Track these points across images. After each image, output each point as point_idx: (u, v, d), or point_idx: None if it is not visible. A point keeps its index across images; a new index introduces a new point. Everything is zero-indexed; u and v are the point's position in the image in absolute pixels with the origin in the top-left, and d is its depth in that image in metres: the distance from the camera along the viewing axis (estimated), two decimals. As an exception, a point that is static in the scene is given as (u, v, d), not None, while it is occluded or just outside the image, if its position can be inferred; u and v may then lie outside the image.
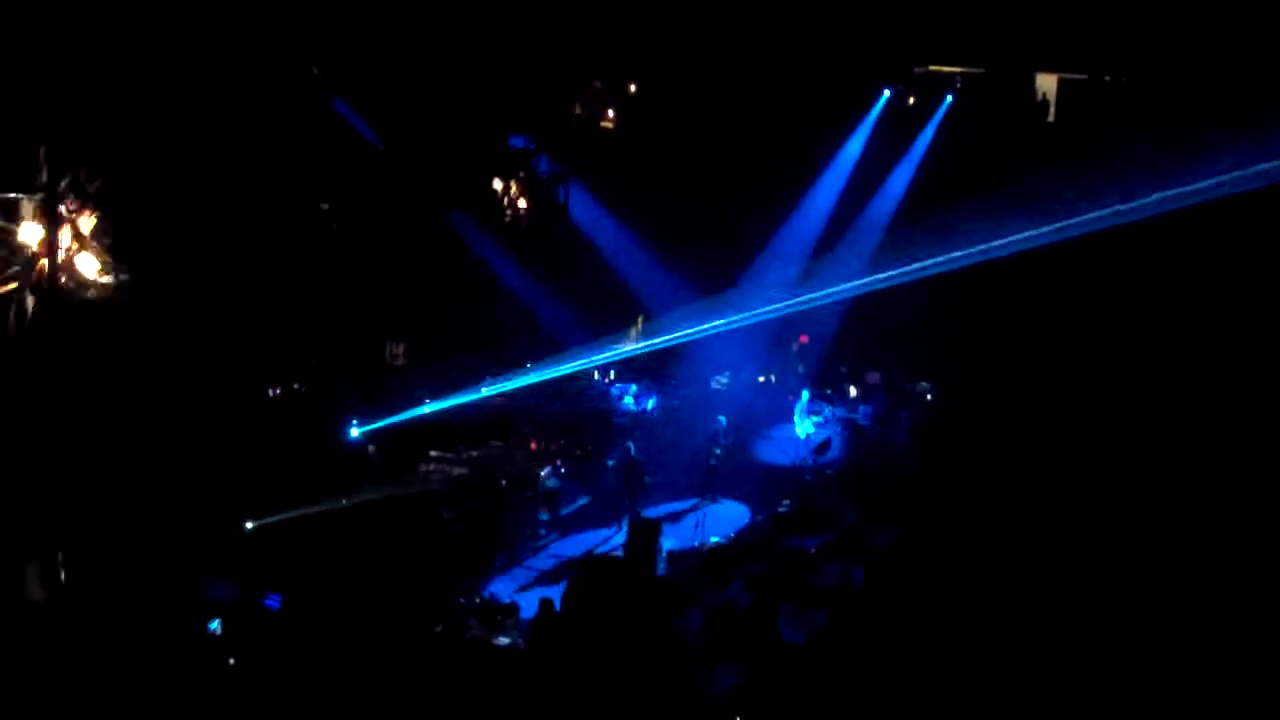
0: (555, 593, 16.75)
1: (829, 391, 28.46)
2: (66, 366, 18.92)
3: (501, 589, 18.98)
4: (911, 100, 29.47)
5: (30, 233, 17.27)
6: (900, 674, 14.60)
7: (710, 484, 23.45)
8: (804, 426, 25.89)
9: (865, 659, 15.10)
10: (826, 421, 26.83)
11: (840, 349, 29.42)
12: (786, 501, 22.61)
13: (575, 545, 21.47)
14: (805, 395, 26.46)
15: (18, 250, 17.26)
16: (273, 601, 16.50)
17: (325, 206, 23.80)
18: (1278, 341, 22.06)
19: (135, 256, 19.91)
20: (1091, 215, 22.97)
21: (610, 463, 22.84)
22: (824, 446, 24.84)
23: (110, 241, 18.18)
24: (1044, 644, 14.84)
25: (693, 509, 22.67)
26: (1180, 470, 19.58)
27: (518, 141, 28.23)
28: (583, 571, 16.97)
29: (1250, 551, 16.71)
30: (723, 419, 24.36)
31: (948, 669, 14.53)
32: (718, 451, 23.79)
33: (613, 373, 28.64)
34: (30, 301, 18.58)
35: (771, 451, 26.09)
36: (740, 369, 29.41)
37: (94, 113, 19.00)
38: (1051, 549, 17.46)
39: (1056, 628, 15.18)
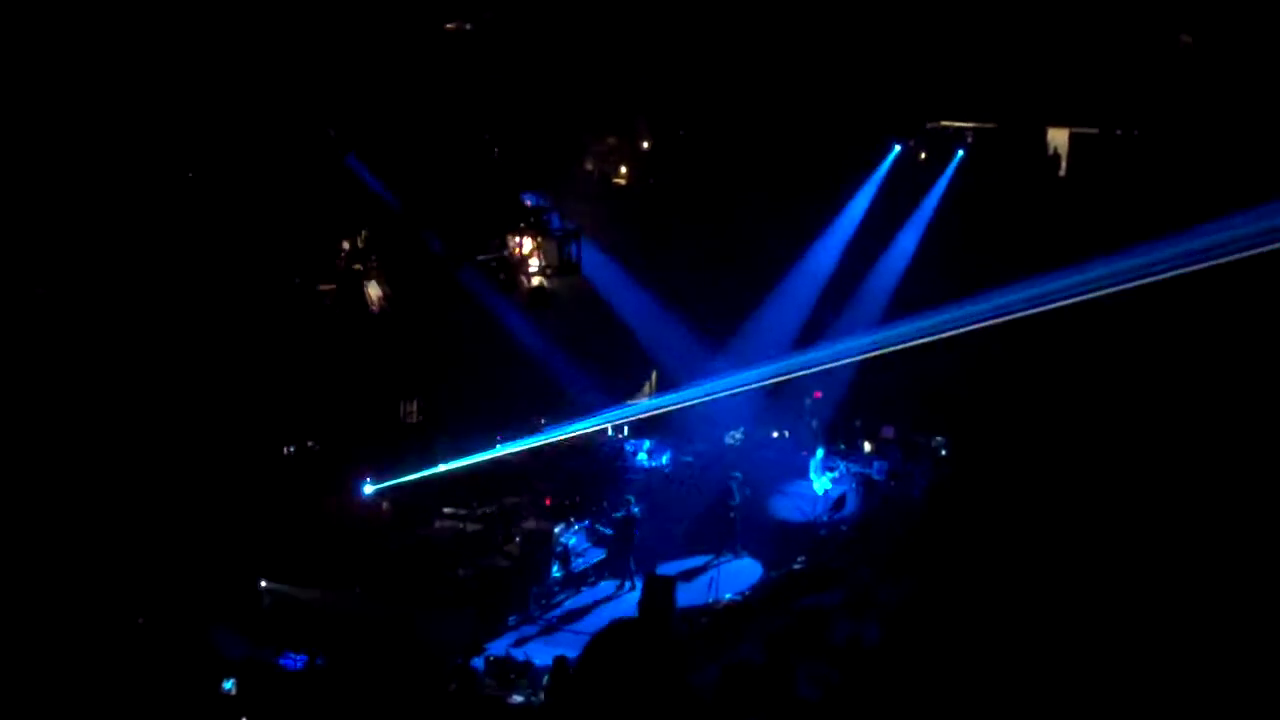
0: (570, 650, 16.66)
1: (843, 447, 28.38)
2: (80, 417, 19.05)
3: (515, 647, 18.90)
4: (922, 155, 29.57)
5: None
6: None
7: (726, 540, 23.38)
8: (820, 483, 25.82)
9: (883, 717, 14.97)
10: (842, 477, 26.72)
11: (854, 404, 29.33)
12: (801, 558, 22.52)
13: (589, 602, 21.40)
14: (820, 451, 26.41)
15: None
16: (288, 660, 16.43)
17: (346, 246, 24.03)
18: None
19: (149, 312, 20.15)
20: (1104, 270, 22.95)
21: (618, 515, 22.77)
22: (840, 503, 24.74)
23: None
24: (1063, 701, 14.71)
25: (707, 565, 22.57)
26: (1203, 530, 19.44)
27: (530, 198, 28.36)
28: (599, 638, 16.87)
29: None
30: (739, 474, 24.34)
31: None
32: (734, 503, 23.76)
33: (626, 429, 28.61)
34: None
35: (786, 508, 26.00)
36: (754, 424, 29.36)
37: (111, 174, 19.26)
38: (1069, 603, 17.33)
39: (1075, 684, 15.05)
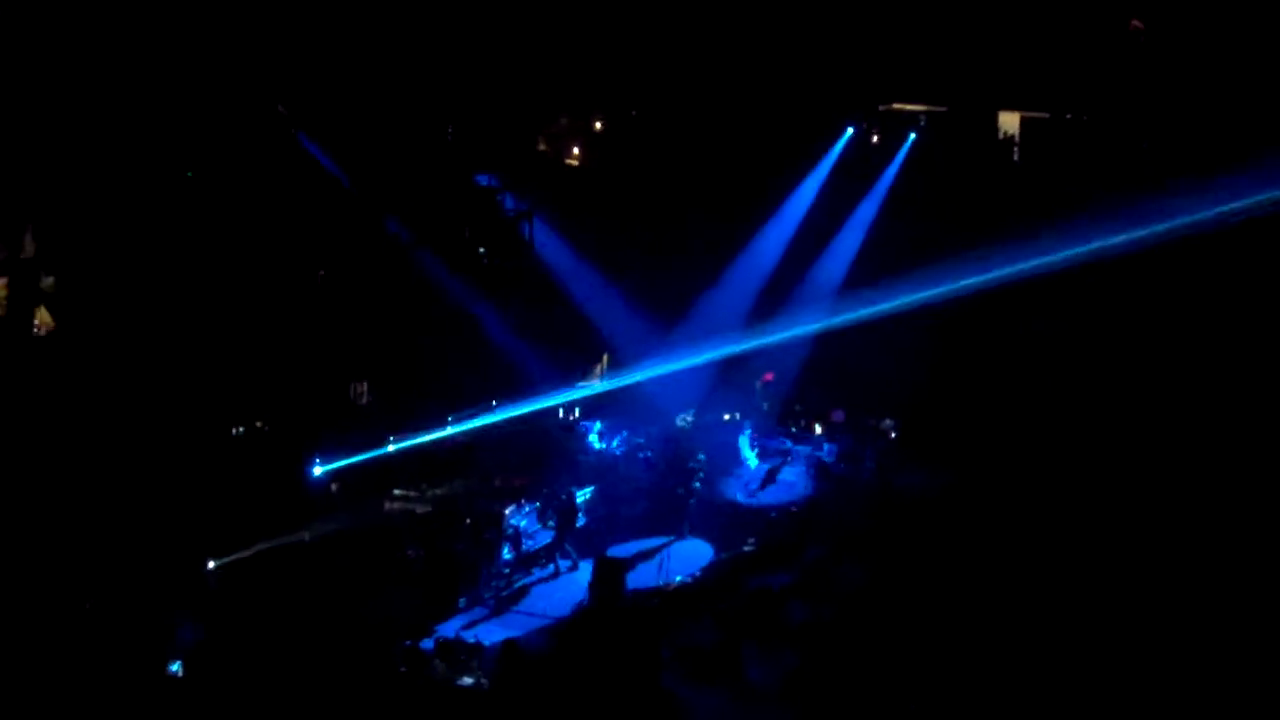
0: (519, 633, 16.57)
1: (794, 429, 28.43)
2: (30, 403, 18.84)
3: (465, 629, 18.81)
4: (875, 138, 29.66)
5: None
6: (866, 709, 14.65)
7: (682, 522, 23.35)
8: (750, 458, 26.11)
9: (830, 695, 15.08)
10: (767, 453, 26.87)
11: (805, 386, 29.35)
12: (752, 540, 22.56)
13: (539, 585, 21.33)
14: (747, 427, 26.63)
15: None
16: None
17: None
18: (1248, 378, 22.29)
19: (98, 295, 19.92)
20: (1055, 254, 23.11)
21: (562, 499, 22.67)
22: (770, 476, 24.92)
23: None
24: (1016, 682, 14.85)
25: (658, 547, 22.53)
26: (1148, 509, 19.65)
27: (483, 179, 28.22)
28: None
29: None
30: (702, 457, 24.37)
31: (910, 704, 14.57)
32: (697, 486, 23.78)
33: (578, 410, 28.52)
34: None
35: (733, 488, 26.01)
36: (705, 406, 29.33)
37: (62, 153, 19.04)
38: (1011, 582, 17.51)
39: (1026, 662, 15.18)
